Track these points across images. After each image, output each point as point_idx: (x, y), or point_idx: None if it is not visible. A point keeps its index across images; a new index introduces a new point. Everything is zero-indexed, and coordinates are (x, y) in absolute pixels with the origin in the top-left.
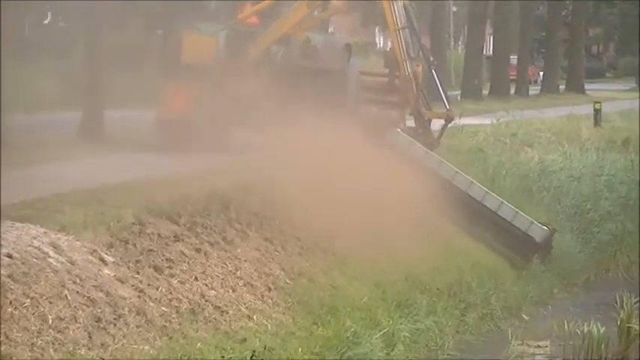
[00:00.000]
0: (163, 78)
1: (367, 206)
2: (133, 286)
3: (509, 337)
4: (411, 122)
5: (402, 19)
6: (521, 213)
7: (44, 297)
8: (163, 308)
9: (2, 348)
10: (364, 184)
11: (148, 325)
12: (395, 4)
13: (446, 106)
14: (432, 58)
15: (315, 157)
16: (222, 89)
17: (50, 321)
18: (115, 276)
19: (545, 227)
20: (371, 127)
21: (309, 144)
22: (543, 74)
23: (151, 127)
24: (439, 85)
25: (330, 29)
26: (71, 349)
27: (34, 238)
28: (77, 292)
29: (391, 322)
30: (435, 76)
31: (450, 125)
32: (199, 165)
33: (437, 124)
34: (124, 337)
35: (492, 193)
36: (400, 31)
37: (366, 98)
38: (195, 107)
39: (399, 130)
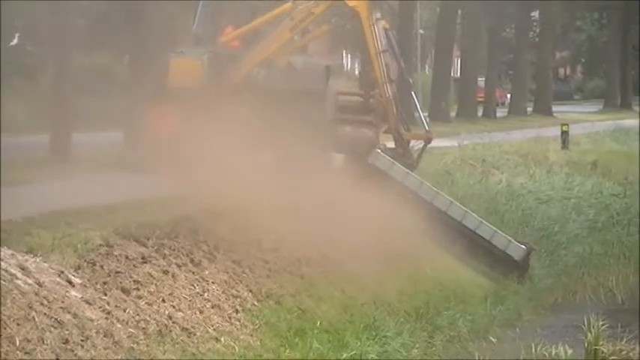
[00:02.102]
0: (150, 100)
1: (340, 228)
2: (100, 307)
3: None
4: (390, 143)
5: (382, 43)
6: (500, 232)
7: (12, 319)
8: (131, 330)
9: None
10: (340, 206)
11: (115, 346)
12: (376, 27)
13: (425, 128)
14: (411, 81)
15: (295, 179)
16: (207, 111)
17: (18, 342)
18: (82, 298)
19: (523, 246)
20: (351, 148)
21: (288, 165)
22: (511, 96)
23: (138, 147)
24: (418, 107)
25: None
26: None
27: (2, 260)
28: (45, 313)
29: (359, 344)
30: (415, 98)
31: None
32: (172, 186)
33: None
34: (91, 358)
35: (472, 213)
36: (381, 54)
37: (340, 117)
38: (181, 128)
39: (379, 150)
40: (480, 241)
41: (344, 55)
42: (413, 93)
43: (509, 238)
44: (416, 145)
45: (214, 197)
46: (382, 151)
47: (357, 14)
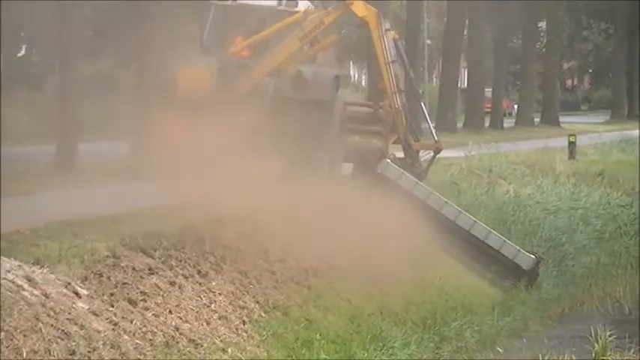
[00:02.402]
0: (160, 110)
1: (346, 238)
2: (107, 319)
3: None
4: (400, 153)
5: (391, 53)
6: (509, 242)
7: (18, 330)
8: (137, 341)
9: None
10: (347, 216)
11: (122, 358)
12: (385, 38)
13: (434, 138)
14: (420, 91)
15: (303, 188)
16: (216, 120)
17: (24, 354)
18: (89, 309)
19: (532, 255)
20: (360, 158)
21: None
22: (518, 107)
23: (146, 156)
24: (427, 117)
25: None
26: None
27: (8, 271)
28: (51, 325)
29: (366, 354)
30: (424, 108)
31: (424, 158)
32: (180, 196)
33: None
34: None
35: (480, 223)
36: (390, 64)
37: (349, 127)
38: (191, 137)
39: (388, 160)
40: (488, 251)
41: (351, 65)
42: (422, 103)
43: (518, 248)
44: (423, 155)
45: (221, 207)
46: (391, 160)
47: (367, 24)
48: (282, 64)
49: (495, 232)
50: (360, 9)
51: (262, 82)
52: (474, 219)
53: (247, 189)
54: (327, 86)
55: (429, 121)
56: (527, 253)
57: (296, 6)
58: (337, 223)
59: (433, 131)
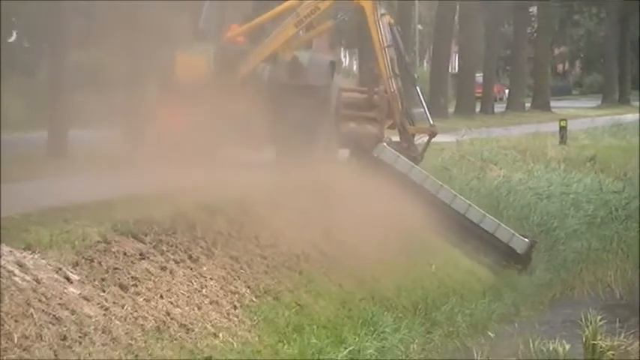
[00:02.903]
0: (158, 96)
1: (340, 222)
2: (98, 304)
3: (475, 355)
4: (395, 137)
5: (387, 38)
6: (503, 225)
7: (9, 315)
8: (129, 326)
9: None
10: (342, 200)
11: (113, 343)
12: (380, 22)
13: (429, 122)
14: (416, 76)
15: (298, 173)
16: (214, 106)
17: (16, 339)
18: (80, 294)
19: (526, 239)
20: (357, 141)
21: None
22: (509, 92)
23: (140, 142)
24: (422, 102)
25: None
26: None
27: (0, 257)
28: (43, 310)
29: (357, 339)
30: (419, 93)
31: (418, 142)
32: (171, 182)
33: None
34: (89, 355)
35: (475, 206)
36: (386, 49)
37: (344, 114)
38: (189, 124)
39: (384, 144)
40: (483, 235)
41: (342, 51)
42: (417, 88)
43: (512, 232)
44: (417, 139)
45: (213, 193)
46: (387, 144)
47: (362, 9)
48: (278, 49)
49: (490, 216)
50: None
51: (258, 68)
52: (469, 202)
53: (239, 174)
54: (323, 72)
55: (425, 106)
56: (521, 237)
57: None
58: (332, 207)
59: (428, 115)
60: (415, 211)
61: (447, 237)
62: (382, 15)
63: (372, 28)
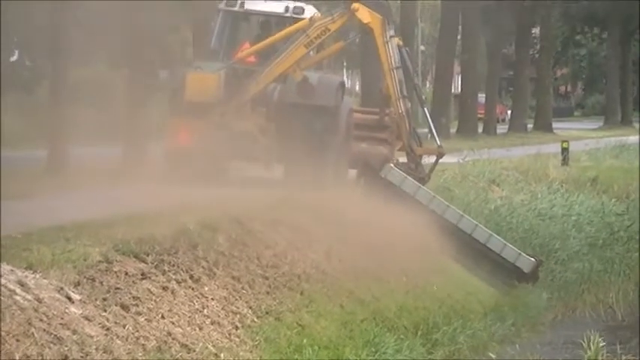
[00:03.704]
0: (169, 113)
1: (345, 243)
2: (99, 324)
3: None
4: (403, 158)
5: (396, 59)
6: (510, 245)
7: (11, 335)
8: (130, 346)
9: None
10: (347, 221)
11: None
12: (389, 44)
13: (437, 143)
14: (424, 97)
15: (304, 193)
16: (223, 125)
17: (17, 359)
18: (81, 314)
19: (532, 259)
20: (366, 161)
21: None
22: (511, 113)
23: (159, 158)
24: (430, 123)
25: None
26: None
27: (1, 276)
28: (44, 329)
29: None
30: (427, 114)
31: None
32: (176, 199)
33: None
34: None
35: (482, 226)
36: (394, 70)
37: (355, 134)
38: (199, 141)
39: (391, 165)
40: (490, 254)
41: (344, 73)
42: (425, 109)
43: (519, 251)
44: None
45: (217, 211)
46: (395, 165)
47: (372, 31)
48: (288, 69)
49: (496, 236)
50: (365, 15)
51: (269, 88)
52: (476, 222)
53: (244, 193)
54: (333, 92)
55: (432, 127)
56: (528, 257)
57: (302, 13)
58: (336, 228)
59: (436, 136)
60: (422, 232)
61: (453, 257)
62: (391, 37)
63: (381, 49)
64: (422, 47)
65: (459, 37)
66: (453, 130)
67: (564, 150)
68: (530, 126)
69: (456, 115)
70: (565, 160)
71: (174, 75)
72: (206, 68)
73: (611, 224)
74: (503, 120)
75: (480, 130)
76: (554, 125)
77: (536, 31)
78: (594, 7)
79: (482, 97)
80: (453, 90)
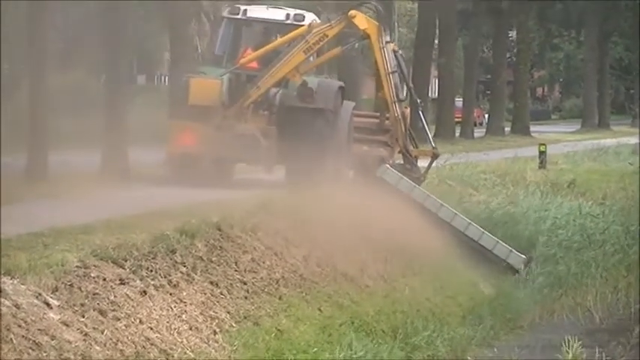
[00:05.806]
0: (172, 117)
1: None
2: (78, 329)
3: None
4: (399, 159)
5: (391, 64)
6: (501, 242)
7: None
8: (108, 352)
9: None
10: (347, 218)
11: None
12: (385, 49)
13: (431, 145)
14: (419, 101)
15: (304, 194)
16: (226, 128)
17: None
18: (60, 319)
19: (523, 255)
20: (362, 163)
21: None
22: (488, 116)
23: (162, 162)
24: (425, 125)
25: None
26: None
27: None
28: (23, 335)
29: None
30: (422, 116)
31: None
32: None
33: None
34: None
35: (474, 224)
36: (390, 75)
37: (356, 137)
38: (201, 145)
39: (387, 165)
40: (482, 251)
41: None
42: (420, 112)
43: (510, 248)
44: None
45: (199, 215)
46: (391, 166)
47: (368, 37)
48: (287, 75)
49: (488, 234)
50: (361, 22)
51: (270, 92)
52: (469, 221)
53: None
54: (332, 96)
55: (427, 129)
56: (518, 253)
57: (303, 20)
58: (331, 226)
59: (430, 138)
60: (417, 229)
61: (447, 253)
62: (387, 42)
63: (378, 54)
64: (399, 51)
65: (435, 40)
66: (430, 134)
67: (542, 153)
68: (507, 129)
69: (433, 118)
70: (542, 164)
71: (173, 79)
72: (210, 73)
73: (587, 227)
74: (481, 123)
75: (458, 133)
76: (532, 128)
77: (513, 34)
78: (569, 9)
79: (459, 101)
80: (430, 94)
